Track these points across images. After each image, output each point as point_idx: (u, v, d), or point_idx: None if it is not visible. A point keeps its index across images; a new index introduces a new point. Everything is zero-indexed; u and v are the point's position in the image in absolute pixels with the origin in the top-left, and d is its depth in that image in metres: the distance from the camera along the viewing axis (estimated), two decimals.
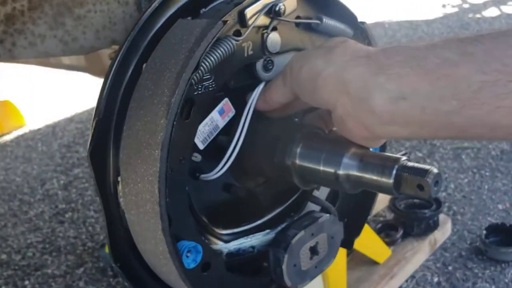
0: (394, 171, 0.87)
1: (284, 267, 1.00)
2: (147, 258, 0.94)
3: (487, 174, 2.63)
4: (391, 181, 0.87)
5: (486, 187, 2.52)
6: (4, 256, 2.39)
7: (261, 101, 0.97)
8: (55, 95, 4.60)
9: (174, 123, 0.80)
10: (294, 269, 1.02)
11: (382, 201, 2.22)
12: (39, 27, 0.98)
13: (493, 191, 2.48)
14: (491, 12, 5.57)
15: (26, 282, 2.19)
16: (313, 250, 1.06)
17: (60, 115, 4.18)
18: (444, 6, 6.08)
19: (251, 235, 1.11)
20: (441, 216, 2.10)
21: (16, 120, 4.06)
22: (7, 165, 3.41)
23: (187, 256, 0.89)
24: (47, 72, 4.81)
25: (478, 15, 5.58)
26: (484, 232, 2.03)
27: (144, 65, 0.90)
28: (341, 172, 0.92)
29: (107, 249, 2.21)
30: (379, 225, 2.08)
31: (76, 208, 2.76)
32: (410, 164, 0.87)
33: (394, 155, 0.90)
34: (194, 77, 0.83)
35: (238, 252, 1.08)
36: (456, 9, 5.89)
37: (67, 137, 3.75)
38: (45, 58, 2.20)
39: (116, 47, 1.16)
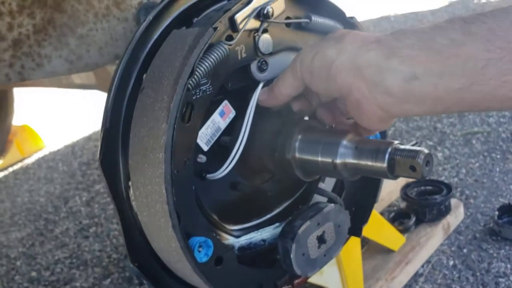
0: (387, 155, 0.90)
1: (292, 256, 1.04)
2: (162, 256, 1.00)
3: (498, 156, 2.64)
4: (385, 165, 0.91)
5: (498, 169, 2.53)
6: (34, 274, 2.46)
7: (269, 96, 1.00)
8: (71, 116, 4.70)
9: (175, 126, 0.86)
10: (303, 258, 1.06)
11: (395, 191, 2.26)
12: (44, 49, 1.05)
13: (505, 172, 2.49)
14: None
15: None
16: (321, 239, 1.09)
17: (78, 135, 4.28)
18: None
19: (261, 229, 1.15)
20: (453, 201, 2.13)
21: (36, 144, 4.16)
22: (30, 186, 3.51)
23: (199, 251, 0.95)
24: (62, 94, 4.93)
25: (483, 0, 5.58)
26: (497, 213, 2.06)
27: (144, 76, 0.96)
28: (338, 161, 0.97)
29: None
30: (392, 214, 2.11)
31: (99, 223, 2.83)
32: (402, 147, 0.91)
33: (388, 140, 0.94)
34: (191, 82, 0.88)
35: (250, 245, 1.12)
36: None
37: (87, 155, 3.84)
38: (58, 80, 2.30)
39: None
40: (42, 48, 1.05)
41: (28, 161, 3.99)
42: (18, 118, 3.61)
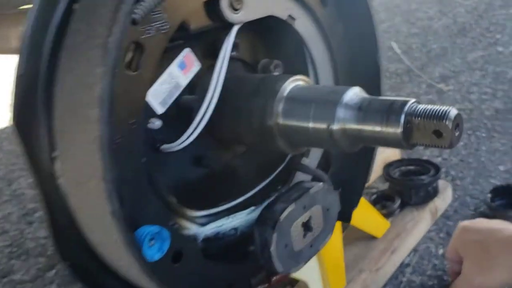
0: (403, 117, 0.70)
1: (273, 248, 0.83)
2: (101, 252, 0.75)
3: (483, 135, 2.46)
4: (399, 130, 0.71)
5: (484, 148, 2.36)
6: None
7: None
8: None
9: (116, 71, 0.61)
10: (286, 251, 0.85)
11: (374, 171, 2.05)
12: None
13: (492, 152, 2.31)
14: None
15: None
16: (306, 226, 0.90)
17: None
18: None
19: (231, 215, 0.94)
20: (440, 182, 1.93)
21: None
22: None
23: (151, 245, 0.71)
24: (8, 72, 4.60)
25: None
26: (489, 195, 1.87)
27: (74, 5, 0.70)
28: (335, 126, 0.75)
29: None
30: (374, 196, 1.91)
31: None
32: (422, 106, 0.69)
33: (401, 98, 0.72)
34: (138, 9, 0.64)
35: (217, 235, 0.90)
36: None
37: None
38: None
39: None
40: None
41: None
42: None
